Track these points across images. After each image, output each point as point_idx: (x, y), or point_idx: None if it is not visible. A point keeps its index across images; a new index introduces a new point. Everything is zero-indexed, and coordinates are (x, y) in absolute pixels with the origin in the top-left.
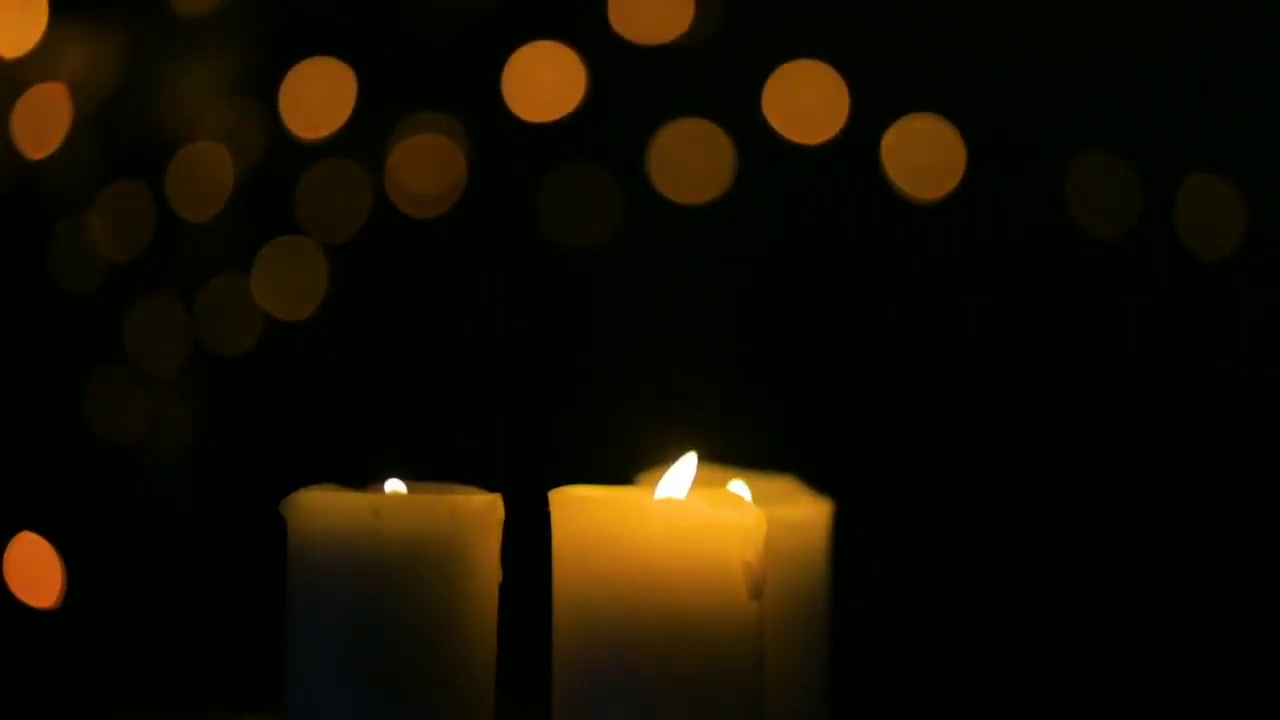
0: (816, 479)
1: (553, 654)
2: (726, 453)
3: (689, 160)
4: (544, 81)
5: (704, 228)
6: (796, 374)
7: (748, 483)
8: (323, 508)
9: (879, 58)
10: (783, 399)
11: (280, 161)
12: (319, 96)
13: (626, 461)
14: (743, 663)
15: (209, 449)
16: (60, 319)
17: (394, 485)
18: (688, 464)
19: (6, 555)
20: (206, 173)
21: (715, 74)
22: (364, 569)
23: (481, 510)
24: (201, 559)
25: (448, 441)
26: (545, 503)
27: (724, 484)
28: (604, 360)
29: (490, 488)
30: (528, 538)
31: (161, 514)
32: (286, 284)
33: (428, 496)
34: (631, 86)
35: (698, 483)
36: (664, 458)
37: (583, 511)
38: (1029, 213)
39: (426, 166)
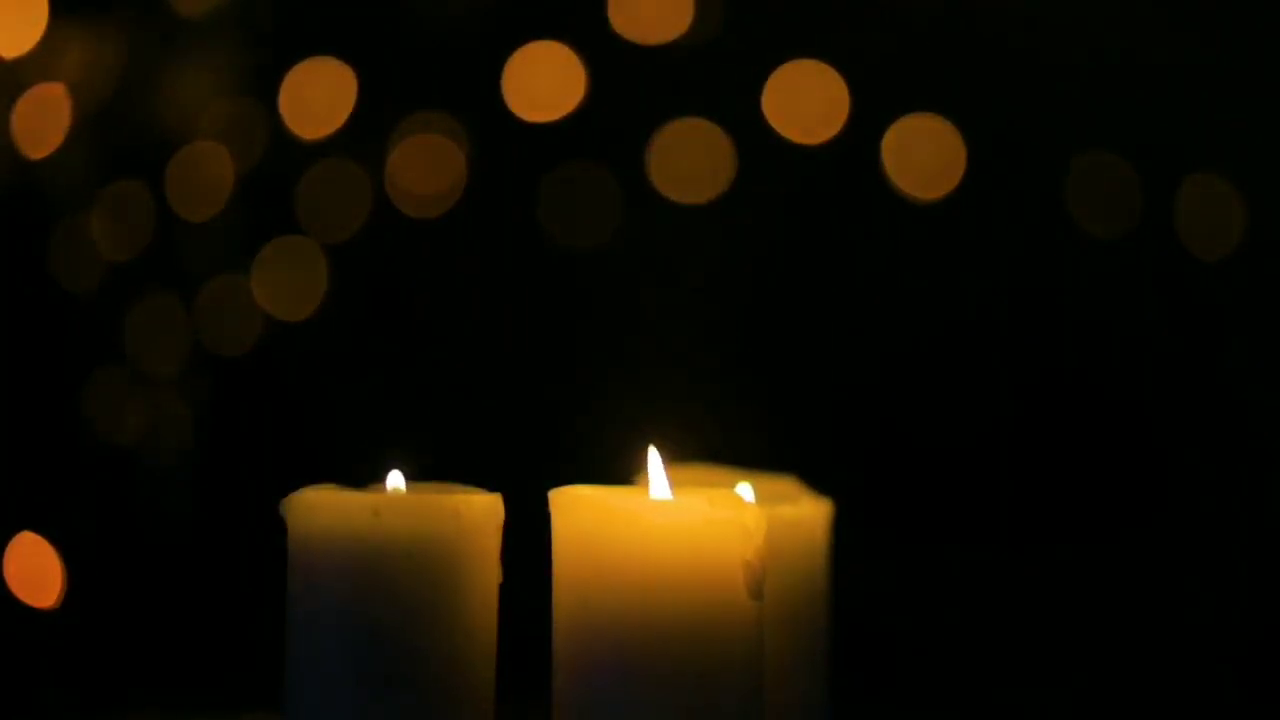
0: (816, 479)
1: (553, 654)
2: (726, 453)
3: (689, 160)
4: (544, 81)
5: (704, 228)
6: (797, 374)
7: (748, 483)
8: (323, 508)
9: (879, 58)
10: (783, 399)
11: (280, 161)
12: (319, 96)
13: (626, 461)
14: (743, 662)
15: (209, 449)
16: (60, 319)
17: (395, 480)
18: (654, 463)
19: (6, 555)
20: (206, 173)
21: (715, 74)
22: (364, 569)
23: (481, 510)
24: (201, 559)
25: (448, 441)
26: (545, 503)
27: (728, 484)
28: (604, 360)
29: (490, 488)
30: (528, 538)
31: (161, 514)
32: (286, 284)
33: (428, 496)
34: (631, 86)
35: (690, 482)
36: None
37: (583, 511)
38: (1029, 213)
39: (426, 166)
